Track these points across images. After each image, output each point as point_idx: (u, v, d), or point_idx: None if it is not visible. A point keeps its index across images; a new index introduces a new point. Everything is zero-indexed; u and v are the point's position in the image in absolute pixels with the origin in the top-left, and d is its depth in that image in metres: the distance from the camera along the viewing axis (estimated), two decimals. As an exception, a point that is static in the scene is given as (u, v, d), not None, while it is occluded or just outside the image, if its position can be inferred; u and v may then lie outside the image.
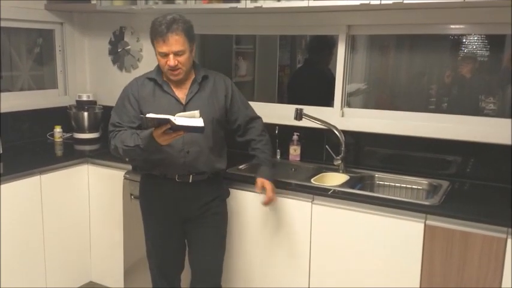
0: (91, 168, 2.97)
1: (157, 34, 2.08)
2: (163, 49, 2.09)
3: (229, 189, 2.47)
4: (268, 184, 2.29)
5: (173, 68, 2.12)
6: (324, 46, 3.04)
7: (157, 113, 2.11)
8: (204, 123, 1.98)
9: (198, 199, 2.28)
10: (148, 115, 1.97)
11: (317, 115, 2.73)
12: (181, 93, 2.23)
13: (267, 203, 2.32)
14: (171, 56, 2.09)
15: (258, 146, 2.39)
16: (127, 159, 2.56)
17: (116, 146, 2.17)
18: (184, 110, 2.17)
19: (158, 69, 2.26)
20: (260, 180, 2.30)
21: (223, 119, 2.32)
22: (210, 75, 2.29)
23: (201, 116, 2.01)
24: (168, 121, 1.94)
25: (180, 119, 1.96)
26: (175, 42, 2.07)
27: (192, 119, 1.98)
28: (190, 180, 2.24)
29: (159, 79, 2.23)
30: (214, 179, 2.31)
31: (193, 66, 2.27)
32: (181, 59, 2.12)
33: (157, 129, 1.98)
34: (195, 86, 2.23)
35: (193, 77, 2.25)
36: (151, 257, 2.43)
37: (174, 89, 2.23)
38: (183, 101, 2.21)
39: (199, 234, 2.33)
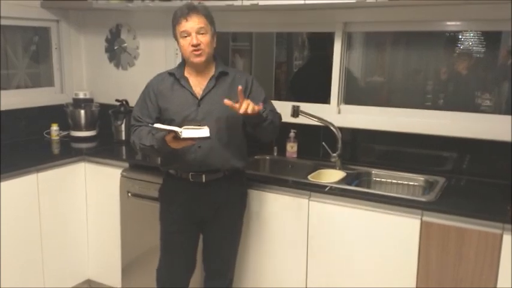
0: (88, 166, 2.97)
1: (179, 16, 2.13)
2: (186, 27, 2.12)
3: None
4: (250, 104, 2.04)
5: (196, 47, 2.13)
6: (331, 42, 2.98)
7: (173, 107, 2.20)
8: (219, 120, 2.06)
9: (212, 200, 2.26)
10: (156, 125, 2.04)
11: (314, 112, 2.74)
12: (198, 88, 2.23)
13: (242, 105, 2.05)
14: (193, 34, 2.12)
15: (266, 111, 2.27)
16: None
17: (134, 142, 2.24)
18: (199, 105, 2.20)
19: (180, 65, 2.30)
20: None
21: (241, 117, 2.23)
22: (230, 72, 2.29)
23: (215, 111, 2.09)
24: (174, 132, 1.99)
25: (187, 132, 1.99)
26: (198, 19, 2.12)
27: (198, 130, 2.00)
28: (203, 180, 2.23)
29: (178, 74, 2.26)
30: (230, 178, 2.28)
31: (215, 61, 2.27)
32: (204, 39, 2.14)
33: (167, 135, 2.04)
34: (212, 82, 2.24)
35: (212, 72, 2.26)
36: (162, 256, 2.41)
37: (192, 84, 2.24)
38: (199, 96, 2.22)
39: (213, 233, 2.34)
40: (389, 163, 2.72)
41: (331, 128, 2.72)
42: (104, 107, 3.44)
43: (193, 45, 2.13)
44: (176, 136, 2.00)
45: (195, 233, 2.36)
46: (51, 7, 3.40)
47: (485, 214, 2.04)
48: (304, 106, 2.75)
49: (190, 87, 2.23)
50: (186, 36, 2.14)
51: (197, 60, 2.17)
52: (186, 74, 2.27)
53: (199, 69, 2.23)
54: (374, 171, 2.69)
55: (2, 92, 3.19)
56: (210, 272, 2.43)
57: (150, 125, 2.15)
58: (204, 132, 1.99)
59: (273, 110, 2.33)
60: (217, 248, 2.37)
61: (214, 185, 2.25)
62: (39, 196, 2.74)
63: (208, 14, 2.18)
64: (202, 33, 2.14)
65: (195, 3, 2.19)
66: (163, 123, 2.21)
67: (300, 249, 2.42)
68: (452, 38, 2.65)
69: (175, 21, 2.16)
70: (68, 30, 3.57)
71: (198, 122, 2.12)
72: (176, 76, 2.25)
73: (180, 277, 2.39)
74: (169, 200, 2.32)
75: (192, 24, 2.12)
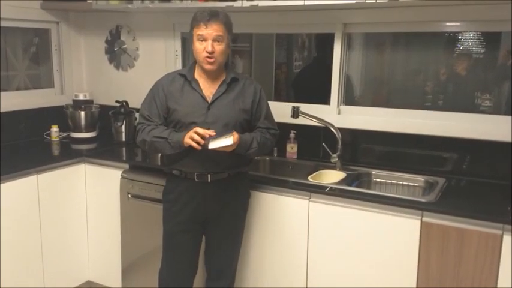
0: (88, 167, 2.96)
1: (199, 20, 2.15)
2: (204, 32, 2.13)
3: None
4: (236, 136, 2.11)
5: (210, 54, 2.15)
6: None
7: (183, 109, 2.21)
8: (227, 125, 2.12)
9: (217, 199, 2.27)
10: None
11: (314, 113, 2.74)
12: (208, 92, 2.25)
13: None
14: (210, 41, 2.13)
15: (259, 130, 2.32)
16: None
17: (145, 140, 2.23)
18: (208, 109, 2.21)
19: (191, 66, 2.30)
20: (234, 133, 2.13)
21: (247, 123, 2.29)
22: (240, 78, 2.31)
23: (224, 116, 2.17)
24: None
25: (213, 143, 2.06)
26: (217, 28, 2.14)
27: (223, 140, 2.06)
28: (209, 180, 2.24)
29: (189, 75, 2.26)
30: (235, 179, 2.29)
31: (226, 67, 2.29)
32: (219, 47, 2.16)
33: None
34: (223, 87, 2.25)
35: (223, 77, 2.27)
36: (165, 257, 2.41)
37: (202, 87, 2.25)
38: (209, 100, 2.22)
39: (216, 234, 2.35)
40: (389, 164, 2.72)
41: (331, 128, 2.72)
42: (103, 108, 3.43)
43: (207, 52, 2.14)
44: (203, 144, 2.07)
45: (198, 234, 2.36)
46: (51, 8, 3.39)
47: (486, 215, 2.03)
48: (304, 107, 2.75)
49: (201, 90, 2.24)
50: (202, 41, 2.15)
51: (208, 67, 2.19)
52: (197, 76, 2.27)
53: (209, 73, 2.25)
54: (374, 171, 2.69)
55: (2, 93, 3.19)
56: (212, 272, 2.44)
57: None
58: (228, 141, 2.06)
59: (269, 130, 2.34)
60: (220, 248, 2.37)
61: (219, 185, 2.26)
62: (39, 198, 2.73)
63: (228, 22, 2.19)
64: (218, 41, 2.15)
65: (218, 9, 2.19)
66: (169, 124, 2.26)
67: (300, 249, 2.42)
68: (451, 39, 2.65)
69: (195, 23, 2.17)
70: (67, 32, 3.57)
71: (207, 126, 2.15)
72: (187, 78, 2.26)
73: (183, 278, 2.39)
74: (173, 200, 2.31)
75: (211, 31, 2.13)
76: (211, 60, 2.16)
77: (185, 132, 2.14)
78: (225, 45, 2.19)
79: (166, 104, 2.24)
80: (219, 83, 2.26)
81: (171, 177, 2.34)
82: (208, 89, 2.25)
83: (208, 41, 2.14)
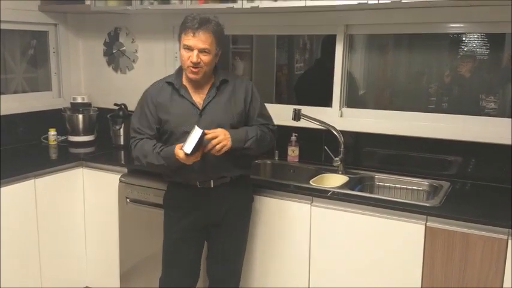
0: (86, 171, 2.93)
1: (188, 27, 2.06)
2: (190, 42, 2.05)
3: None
4: (222, 132, 2.08)
5: (195, 65, 2.08)
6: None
7: (174, 119, 2.15)
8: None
9: (220, 205, 2.23)
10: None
11: (315, 115, 2.71)
12: (198, 98, 2.18)
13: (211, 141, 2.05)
14: (195, 51, 2.06)
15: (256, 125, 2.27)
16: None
17: (138, 157, 2.18)
18: (200, 116, 2.15)
19: (177, 72, 2.23)
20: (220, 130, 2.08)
21: (242, 125, 2.23)
22: (230, 79, 2.24)
23: (218, 121, 2.11)
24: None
25: (188, 146, 1.97)
26: (205, 39, 2.05)
27: (192, 134, 1.98)
28: (211, 186, 2.20)
29: (176, 83, 2.19)
30: (237, 183, 2.25)
31: (214, 70, 2.21)
32: (205, 58, 2.08)
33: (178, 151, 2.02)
34: (213, 91, 2.18)
35: (212, 81, 2.20)
36: (165, 265, 2.36)
37: (192, 94, 2.18)
38: (200, 106, 2.16)
39: (220, 240, 2.30)
40: (392, 167, 2.69)
41: (333, 131, 2.69)
42: (102, 111, 3.41)
43: (192, 62, 2.07)
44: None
45: (200, 240, 2.33)
46: (49, 11, 3.37)
47: (491, 219, 2.01)
48: (306, 109, 2.72)
49: (191, 97, 2.18)
50: (187, 49, 2.08)
51: (192, 76, 2.12)
52: (185, 82, 2.20)
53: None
54: (377, 175, 2.66)
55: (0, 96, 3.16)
56: (215, 280, 2.39)
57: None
58: (197, 132, 1.97)
59: (266, 125, 2.28)
60: (224, 255, 2.32)
61: (222, 190, 2.22)
62: (36, 202, 2.70)
63: (217, 32, 2.10)
64: (204, 53, 2.08)
65: (211, 16, 2.10)
66: (163, 135, 2.21)
67: (302, 254, 2.39)
68: (455, 40, 2.63)
69: (183, 29, 2.09)
70: (66, 34, 3.54)
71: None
72: (175, 86, 2.19)
73: (184, 286, 2.35)
74: (176, 207, 2.27)
75: (197, 42, 2.05)
76: (196, 70, 2.09)
77: (173, 152, 2.06)
78: (212, 56, 2.10)
79: (158, 115, 2.18)
80: (208, 87, 2.19)
81: (172, 185, 2.30)
82: (198, 95, 2.18)
83: (194, 51, 2.06)
